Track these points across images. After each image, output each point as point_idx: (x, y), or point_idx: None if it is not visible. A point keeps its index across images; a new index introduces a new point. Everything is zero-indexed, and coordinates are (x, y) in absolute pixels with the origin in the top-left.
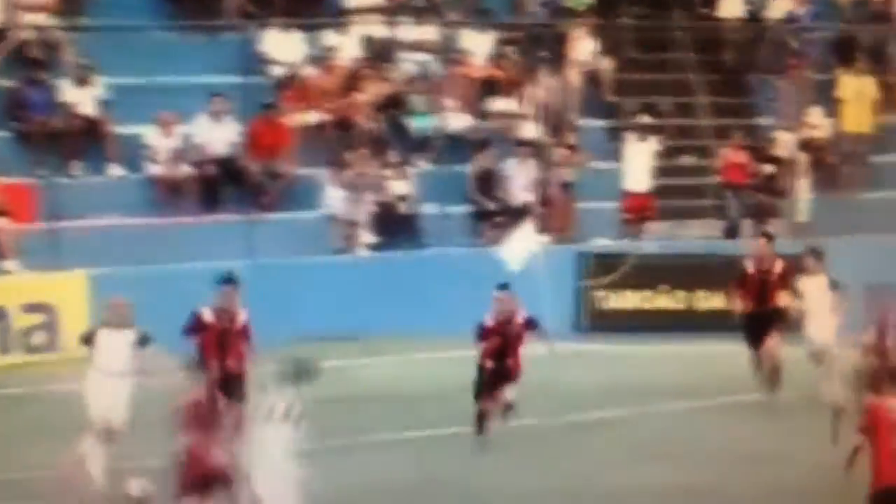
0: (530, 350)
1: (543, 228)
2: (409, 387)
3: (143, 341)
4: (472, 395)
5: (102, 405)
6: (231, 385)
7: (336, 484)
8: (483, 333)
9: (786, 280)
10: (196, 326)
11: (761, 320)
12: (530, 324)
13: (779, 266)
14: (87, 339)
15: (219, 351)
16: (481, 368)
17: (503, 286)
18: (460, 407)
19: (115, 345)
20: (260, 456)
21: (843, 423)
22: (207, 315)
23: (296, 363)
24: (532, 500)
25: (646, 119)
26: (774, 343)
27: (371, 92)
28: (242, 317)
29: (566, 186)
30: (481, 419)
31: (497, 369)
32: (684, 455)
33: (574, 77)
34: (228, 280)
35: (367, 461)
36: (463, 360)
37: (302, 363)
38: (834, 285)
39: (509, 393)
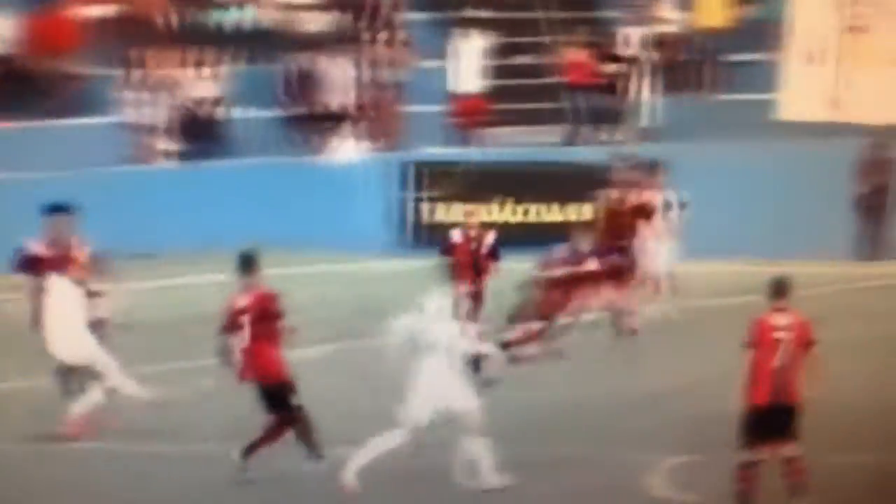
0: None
1: (366, 135)
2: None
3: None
4: None
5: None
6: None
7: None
8: (449, 249)
9: (646, 211)
10: (28, 262)
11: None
12: (495, 253)
13: (641, 195)
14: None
15: None
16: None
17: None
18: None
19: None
20: (426, 355)
21: None
22: (38, 249)
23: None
24: (368, 420)
25: (477, 12)
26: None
27: None
28: (78, 248)
29: (391, 88)
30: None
31: (473, 293)
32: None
33: None
34: (60, 208)
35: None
36: (282, 278)
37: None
38: (668, 205)
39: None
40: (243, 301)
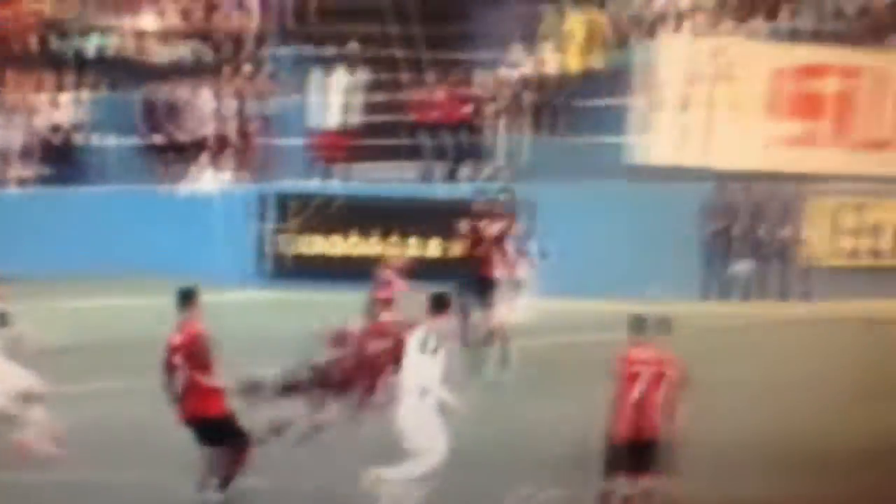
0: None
1: (227, 165)
2: (76, 336)
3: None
4: None
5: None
6: None
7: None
8: (379, 288)
9: (502, 243)
10: None
11: (482, 286)
12: None
13: (498, 226)
14: None
15: None
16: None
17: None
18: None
19: None
20: (407, 389)
21: None
22: None
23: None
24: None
25: (344, 49)
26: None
27: (28, 6)
28: None
29: (253, 120)
30: None
31: None
32: None
33: None
34: None
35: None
36: (153, 308)
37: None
38: (524, 249)
39: None
40: (177, 339)
